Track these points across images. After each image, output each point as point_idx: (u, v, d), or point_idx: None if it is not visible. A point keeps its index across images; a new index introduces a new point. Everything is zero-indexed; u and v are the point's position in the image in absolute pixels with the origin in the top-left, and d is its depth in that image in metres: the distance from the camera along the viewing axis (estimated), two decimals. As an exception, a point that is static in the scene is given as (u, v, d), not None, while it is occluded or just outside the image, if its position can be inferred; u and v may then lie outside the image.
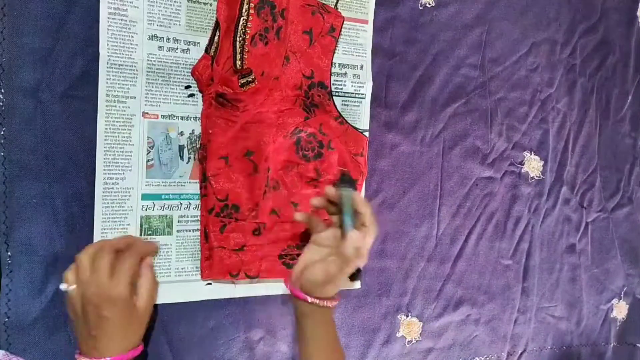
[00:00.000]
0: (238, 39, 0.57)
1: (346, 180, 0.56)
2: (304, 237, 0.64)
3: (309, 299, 0.53)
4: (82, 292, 0.46)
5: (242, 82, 0.58)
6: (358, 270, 0.54)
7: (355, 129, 0.66)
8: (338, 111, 0.65)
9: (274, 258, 0.63)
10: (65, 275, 0.48)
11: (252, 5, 0.57)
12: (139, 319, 0.49)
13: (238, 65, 0.57)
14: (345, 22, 0.65)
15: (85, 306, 0.46)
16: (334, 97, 0.66)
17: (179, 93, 0.59)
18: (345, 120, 0.65)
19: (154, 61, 0.57)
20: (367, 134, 0.69)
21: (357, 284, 0.70)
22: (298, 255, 0.64)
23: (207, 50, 0.59)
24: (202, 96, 0.59)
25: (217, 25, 0.59)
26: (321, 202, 0.56)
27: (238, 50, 0.57)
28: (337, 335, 0.57)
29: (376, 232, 0.53)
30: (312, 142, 0.62)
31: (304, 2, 0.61)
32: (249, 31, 0.57)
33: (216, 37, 0.59)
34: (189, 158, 0.60)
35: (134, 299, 0.48)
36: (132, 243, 0.51)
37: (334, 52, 0.64)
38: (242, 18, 0.56)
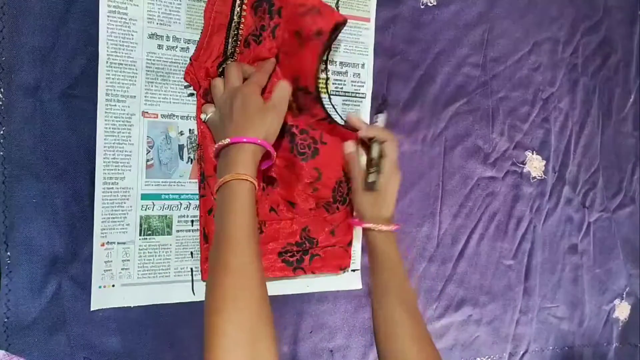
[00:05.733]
0: (229, 47, 0.56)
1: (381, 109, 0.67)
2: (303, 234, 0.63)
3: (363, 225, 0.61)
4: (228, 93, 0.55)
5: None
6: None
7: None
8: (327, 113, 0.61)
9: (274, 256, 0.62)
10: (204, 109, 0.58)
11: (246, 3, 0.56)
12: (271, 110, 0.55)
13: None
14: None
15: (231, 102, 0.53)
16: (334, 97, 0.65)
17: (179, 92, 0.58)
18: (334, 120, 0.62)
19: (154, 60, 0.57)
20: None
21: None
22: (298, 252, 0.64)
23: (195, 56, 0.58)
24: (196, 95, 0.59)
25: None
26: (354, 147, 0.64)
27: (229, 54, 0.57)
28: (404, 267, 0.61)
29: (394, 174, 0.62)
30: (306, 139, 0.61)
31: (298, 1, 0.58)
32: (241, 32, 0.57)
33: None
34: (189, 158, 0.59)
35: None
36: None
37: (320, 57, 0.57)
38: (233, 22, 0.56)
